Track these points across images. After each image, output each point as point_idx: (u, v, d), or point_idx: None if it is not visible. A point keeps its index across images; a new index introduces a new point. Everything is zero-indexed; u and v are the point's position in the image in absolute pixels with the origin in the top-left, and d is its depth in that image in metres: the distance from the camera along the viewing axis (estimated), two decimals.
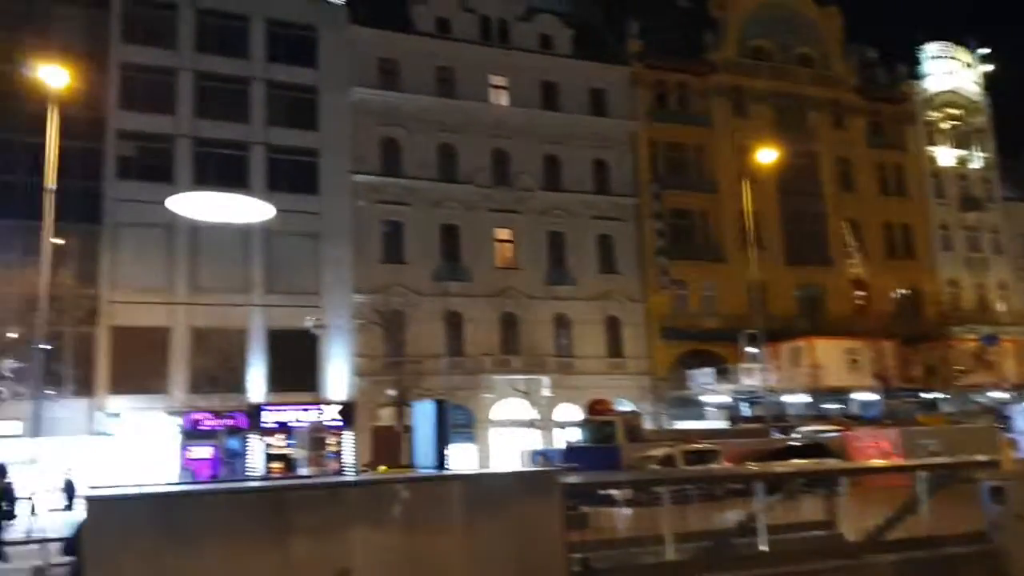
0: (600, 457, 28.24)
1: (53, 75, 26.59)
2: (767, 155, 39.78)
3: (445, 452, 11.90)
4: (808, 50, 52.15)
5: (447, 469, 9.59)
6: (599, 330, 43.41)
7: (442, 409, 14.19)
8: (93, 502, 6.88)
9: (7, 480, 10.20)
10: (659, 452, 27.76)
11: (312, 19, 40.87)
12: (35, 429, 25.43)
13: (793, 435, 33.84)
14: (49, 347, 26.69)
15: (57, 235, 26.92)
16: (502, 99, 44.43)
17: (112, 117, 36.05)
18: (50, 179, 26.05)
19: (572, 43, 46.19)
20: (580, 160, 44.74)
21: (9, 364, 27.85)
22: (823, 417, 40.06)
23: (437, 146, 42.11)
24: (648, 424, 37.34)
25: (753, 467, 17.72)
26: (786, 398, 42.07)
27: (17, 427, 29.71)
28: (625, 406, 39.61)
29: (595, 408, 35.52)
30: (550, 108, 44.75)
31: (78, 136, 32.22)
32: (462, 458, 34.62)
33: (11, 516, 10.28)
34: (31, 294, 26.74)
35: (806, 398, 42.66)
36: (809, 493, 13.56)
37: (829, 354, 42.44)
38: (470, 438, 38.93)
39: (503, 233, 42.92)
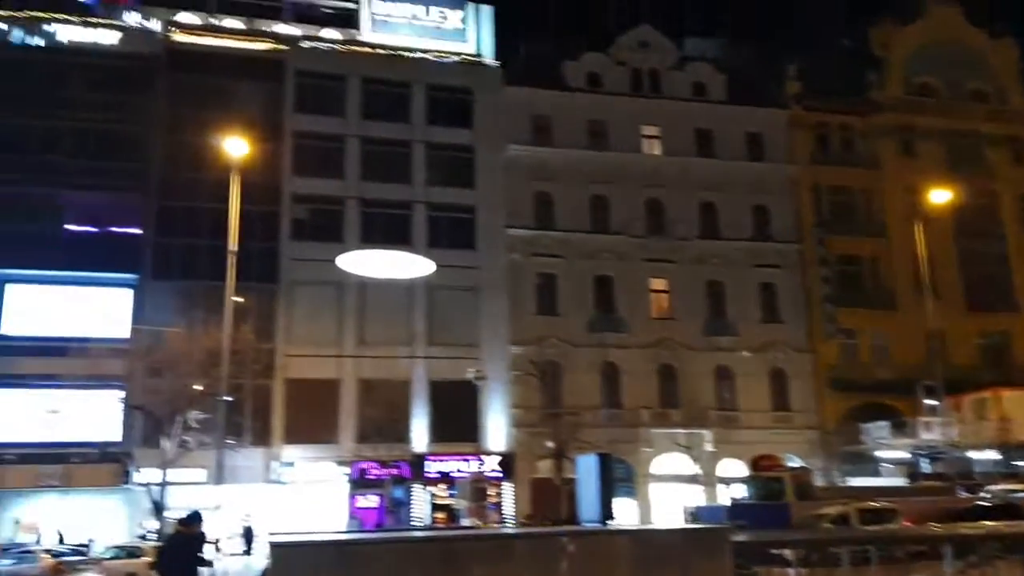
0: (768, 515, 27.02)
1: (235, 146, 28.85)
2: (940, 196, 37.64)
3: (611, 506, 11.80)
4: (981, 84, 49.22)
5: (613, 524, 9.45)
6: (763, 382, 41.91)
7: (606, 463, 14.14)
8: (277, 548, 7.22)
9: (201, 527, 10.85)
10: (832, 510, 26.25)
11: (468, 82, 42.42)
12: (218, 477, 27.08)
13: (982, 494, 31.22)
14: (231, 399, 28.48)
15: (238, 294, 28.90)
16: (655, 148, 44.35)
17: (287, 182, 38.50)
18: (232, 242, 28.10)
19: (726, 89, 45.66)
20: (738, 206, 43.81)
21: (196, 415, 29.81)
22: (1016, 475, 36.80)
23: (590, 198, 42.38)
24: (819, 481, 35.49)
25: (938, 528, 16.49)
26: (972, 454, 38.95)
27: (202, 475, 31.75)
28: (793, 462, 37.90)
29: (761, 464, 34.09)
30: (705, 155, 44.24)
31: (256, 201, 34.56)
32: (622, 513, 34.02)
33: (205, 563, 10.87)
34: (215, 349, 28.75)
35: (995, 454, 39.35)
36: (1005, 558, 12.46)
37: (1019, 406, 39.04)
38: (630, 492, 38.27)
39: (659, 283, 42.46)
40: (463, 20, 44.35)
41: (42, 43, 37.69)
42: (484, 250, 40.42)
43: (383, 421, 34.60)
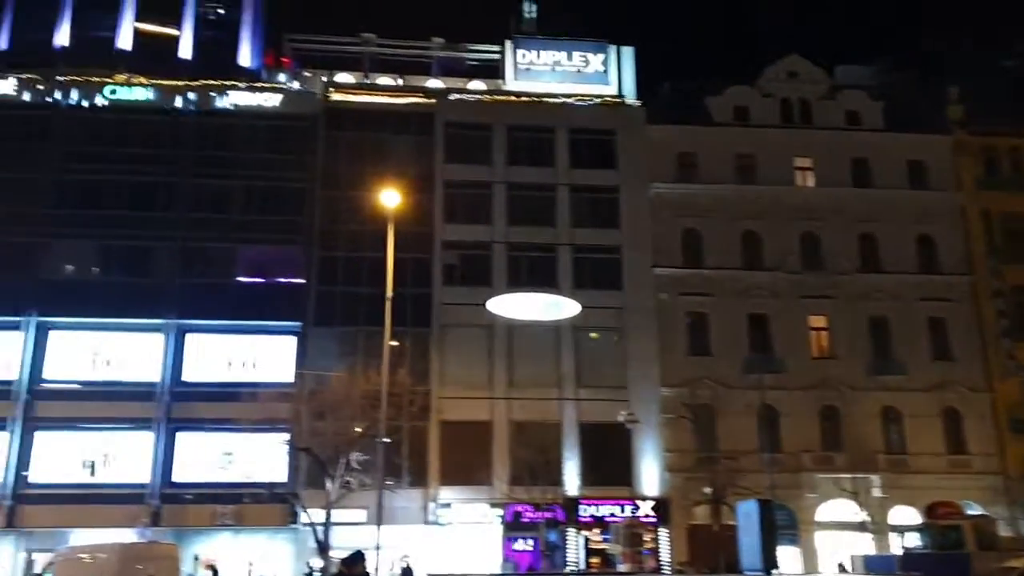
0: (945, 566, 25.28)
1: (389, 197, 30.05)
2: None
3: (774, 555, 11.29)
4: None
5: (777, 573, 9.03)
6: (936, 424, 39.24)
7: (767, 509, 13.61)
8: None
9: (364, 567, 11.15)
10: (1020, 563, 24.22)
11: (611, 124, 42.56)
12: (378, 517, 27.76)
13: None
14: (389, 441, 29.28)
15: (394, 338, 29.85)
16: (808, 180, 42.94)
17: (438, 229, 39.65)
18: (389, 289, 29.17)
19: (882, 116, 43.83)
20: (900, 238, 41.65)
21: (356, 456, 30.80)
22: None
23: (740, 234, 41.33)
24: (1003, 530, 32.76)
25: None
26: None
27: (361, 515, 32.73)
28: (973, 509, 35.24)
29: (938, 511, 31.95)
30: (862, 185, 42.43)
31: (410, 248, 35.68)
32: (786, 562, 32.50)
33: None
34: (374, 392, 29.72)
35: None
36: None
37: None
38: (793, 540, 36.49)
39: (817, 320, 40.75)
40: (604, 63, 44.72)
41: (213, 109, 40.56)
42: (630, 290, 40.09)
43: (535, 463, 34.60)
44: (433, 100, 42.15)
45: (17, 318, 36.55)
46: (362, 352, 34.37)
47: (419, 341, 37.32)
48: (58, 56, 42.09)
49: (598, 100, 43.40)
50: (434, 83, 44.27)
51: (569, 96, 43.24)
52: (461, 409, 37.03)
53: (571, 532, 36.17)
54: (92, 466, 35.98)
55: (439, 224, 39.81)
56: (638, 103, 43.64)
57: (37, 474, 35.58)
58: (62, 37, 42.94)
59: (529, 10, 46.28)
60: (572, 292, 37.88)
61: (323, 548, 29.92)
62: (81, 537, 32.71)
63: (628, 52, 45.07)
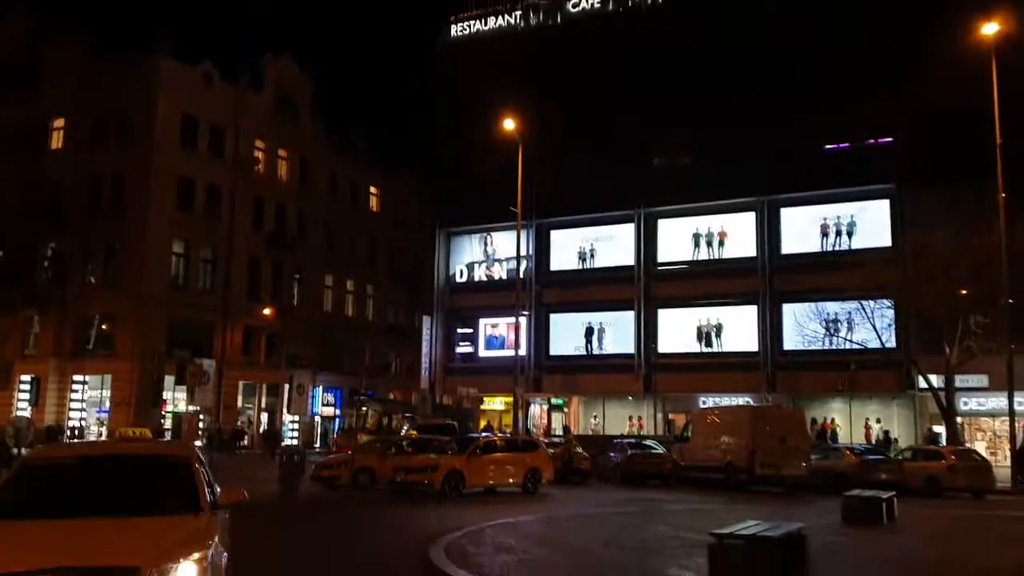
0: None
1: (988, 27, 26.37)
2: None
3: None
4: None
5: None
6: None
7: None
8: None
9: None
10: None
11: None
12: (1009, 384, 25.62)
13: None
14: (1013, 301, 26.49)
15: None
16: None
17: None
18: (997, 134, 26.01)
19: None
20: None
21: (977, 320, 28.65)
22: None
23: None
24: None
25: None
26: None
27: (983, 380, 30.55)
28: None
29: None
30: None
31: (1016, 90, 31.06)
32: None
33: None
34: (987, 250, 27.20)
35: None
36: None
37: None
38: None
39: None
40: None
41: None
42: None
43: None
44: None
45: (629, 211, 41.27)
46: (968, 208, 31.36)
47: None
48: None
49: None
50: None
51: None
52: None
53: None
54: (707, 337, 39.55)
55: None
56: None
57: (664, 345, 40.37)
58: None
59: None
60: None
61: (947, 414, 28.83)
62: (706, 401, 36.60)
63: None
